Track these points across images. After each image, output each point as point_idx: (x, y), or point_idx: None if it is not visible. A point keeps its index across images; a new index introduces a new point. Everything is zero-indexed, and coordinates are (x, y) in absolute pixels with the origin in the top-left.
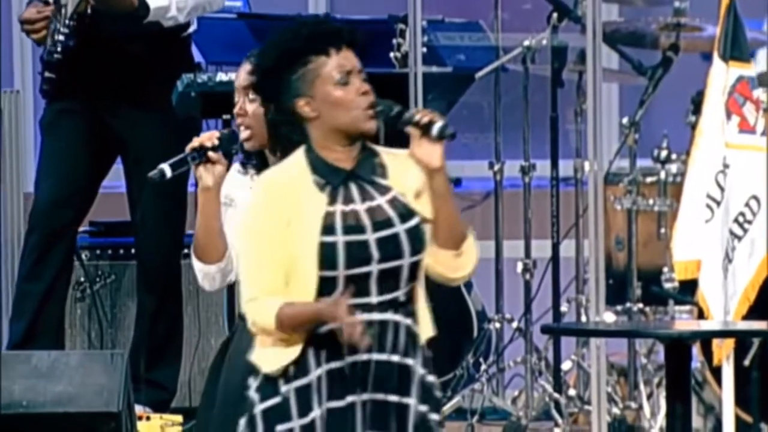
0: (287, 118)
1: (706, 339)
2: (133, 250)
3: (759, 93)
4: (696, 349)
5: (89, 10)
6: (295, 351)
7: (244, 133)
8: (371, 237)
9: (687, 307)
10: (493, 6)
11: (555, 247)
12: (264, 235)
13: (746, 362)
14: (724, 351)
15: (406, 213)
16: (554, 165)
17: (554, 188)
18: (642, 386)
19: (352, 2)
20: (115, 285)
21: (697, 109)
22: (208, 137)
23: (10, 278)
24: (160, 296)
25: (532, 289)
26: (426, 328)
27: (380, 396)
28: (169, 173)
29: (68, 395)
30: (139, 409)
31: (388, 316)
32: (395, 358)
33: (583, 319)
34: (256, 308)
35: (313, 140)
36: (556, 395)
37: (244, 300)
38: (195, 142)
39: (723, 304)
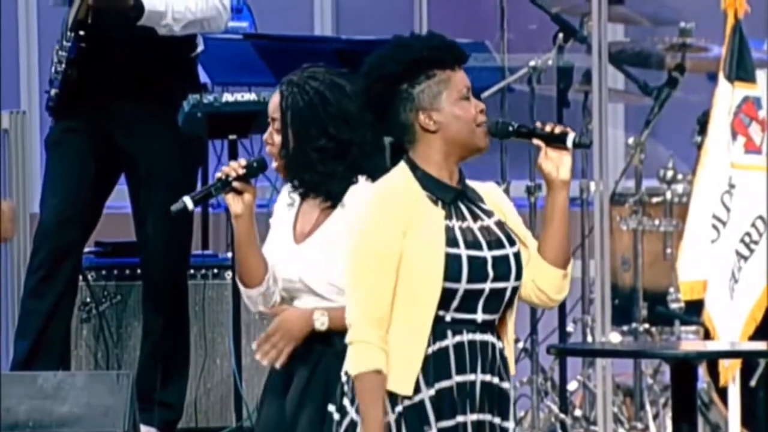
0: (397, 131)
1: (712, 359)
2: (139, 270)
3: (764, 113)
4: (702, 370)
5: (89, 20)
6: (417, 363)
7: (274, 163)
8: (488, 254)
9: (693, 328)
10: (499, 26)
11: None
12: (374, 262)
13: (752, 383)
14: (730, 371)
15: (510, 238)
16: None
17: None
18: (648, 407)
19: (358, 22)
20: (121, 305)
21: (702, 129)
22: (234, 167)
23: (16, 298)
24: (166, 316)
25: (538, 310)
26: (512, 364)
27: (487, 417)
28: (190, 206)
29: (74, 416)
30: (145, 429)
31: (488, 337)
32: (496, 380)
33: (589, 339)
34: (356, 352)
35: (419, 157)
36: (562, 416)
37: (350, 331)
38: (221, 172)
39: (729, 325)
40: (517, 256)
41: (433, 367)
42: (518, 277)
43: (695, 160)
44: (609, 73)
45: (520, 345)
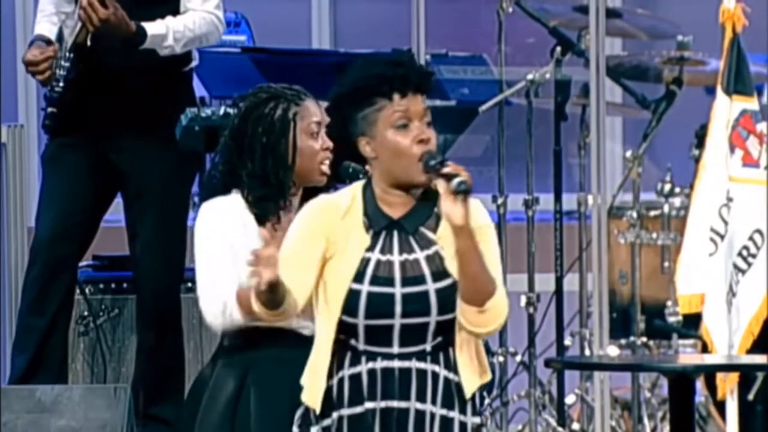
0: (352, 153)
1: (710, 373)
2: None
3: (762, 127)
4: (700, 383)
5: (89, 42)
6: (323, 382)
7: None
8: (398, 291)
9: (691, 341)
10: (497, 40)
11: (558, 281)
12: (294, 250)
13: (750, 396)
14: (728, 385)
15: (441, 272)
16: (557, 198)
17: (558, 222)
18: (646, 420)
19: (356, 36)
20: (118, 319)
21: (700, 142)
22: None
23: (14, 312)
24: (160, 331)
25: (536, 323)
26: (470, 379)
27: None
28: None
29: (71, 430)
30: None
31: (411, 364)
32: (419, 405)
33: (587, 352)
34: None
35: (373, 178)
36: (560, 429)
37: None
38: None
39: (727, 338)
40: (442, 291)
41: (347, 391)
42: (444, 310)
43: (693, 173)
44: (607, 86)
45: (518, 358)
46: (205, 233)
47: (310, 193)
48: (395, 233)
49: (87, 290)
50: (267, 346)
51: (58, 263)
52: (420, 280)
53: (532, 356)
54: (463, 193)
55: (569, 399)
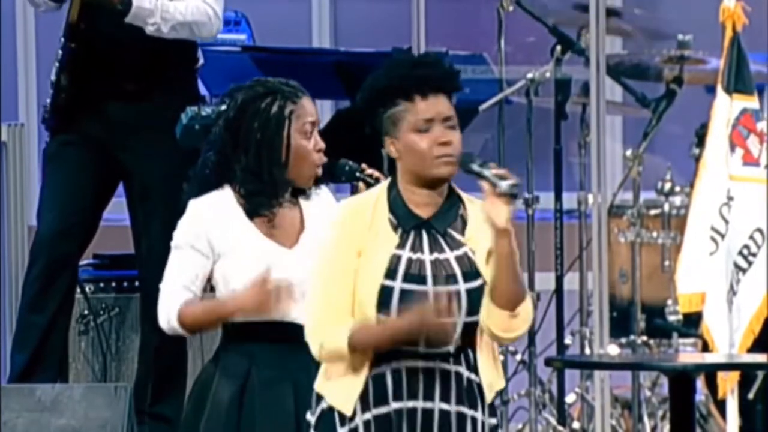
0: (349, 149)
1: (710, 372)
2: (137, 283)
3: (763, 125)
4: (700, 382)
5: (82, 25)
6: (359, 383)
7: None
8: (431, 290)
9: (691, 340)
10: (497, 39)
11: (559, 280)
12: (335, 264)
13: (750, 395)
14: (728, 384)
15: (471, 272)
16: (558, 197)
17: (558, 221)
18: (646, 419)
19: (356, 35)
20: (119, 318)
21: (700, 141)
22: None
23: (14, 310)
24: (163, 331)
25: (536, 322)
26: (491, 380)
27: None
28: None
29: (72, 429)
30: None
31: (434, 364)
32: (444, 406)
33: (587, 351)
34: (325, 333)
35: (399, 176)
36: (560, 428)
37: (310, 326)
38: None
39: (727, 337)
40: (472, 291)
41: (372, 392)
42: (472, 312)
43: (693, 172)
44: (607, 85)
45: (518, 357)
46: (178, 234)
47: (298, 189)
48: (424, 233)
49: (87, 289)
50: (267, 340)
51: (59, 261)
52: (452, 279)
53: (533, 355)
54: (514, 196)
55: (569, 398)
